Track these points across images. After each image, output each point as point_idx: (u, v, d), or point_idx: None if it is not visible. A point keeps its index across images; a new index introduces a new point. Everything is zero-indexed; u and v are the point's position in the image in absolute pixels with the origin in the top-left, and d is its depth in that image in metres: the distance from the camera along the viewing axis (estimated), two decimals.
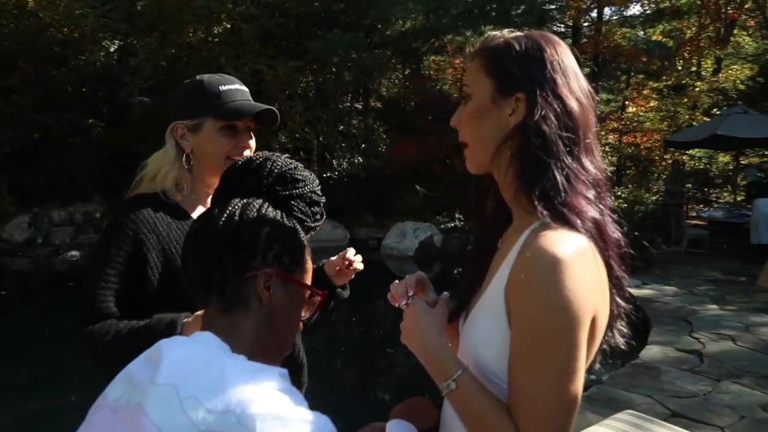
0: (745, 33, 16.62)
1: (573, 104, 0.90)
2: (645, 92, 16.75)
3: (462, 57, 19.09)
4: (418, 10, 12.65)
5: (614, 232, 0.90)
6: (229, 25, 10.90)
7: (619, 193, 13.15)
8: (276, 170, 0.92)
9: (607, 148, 18.66)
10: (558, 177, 0.87)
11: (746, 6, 13.80)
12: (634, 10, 17.63)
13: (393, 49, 14.37)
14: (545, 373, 0.81)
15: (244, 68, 10.75)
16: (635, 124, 15.54)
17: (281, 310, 0.87)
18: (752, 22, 15.18)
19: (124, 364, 1.16)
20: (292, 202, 0.92)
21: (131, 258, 1.30)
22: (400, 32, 13.92)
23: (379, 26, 13.21)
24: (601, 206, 0.90)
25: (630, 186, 14.75)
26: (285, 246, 0.87)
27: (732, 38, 15.05)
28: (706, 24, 13.19)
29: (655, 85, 16.91)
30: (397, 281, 1.07)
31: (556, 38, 0.94)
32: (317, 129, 12.43)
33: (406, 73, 17.29)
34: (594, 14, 15.27)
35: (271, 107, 1.42)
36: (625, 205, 10.89)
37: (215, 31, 11.18)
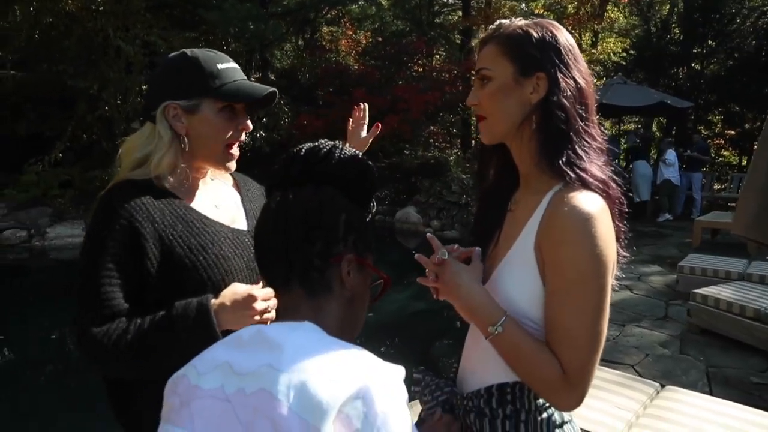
0: (616, 9, 18.02)
1: (582, 82, 1.07)
2: None
3: (356, 28, 19.11)
4: None
5: (616, 192, 1.07)
6: None
7: None
8: (345, 158, 0.92)
9: None
10: (578, 145, 1.04)
11: None
12: None
13: (290, 20, 14.03)
14: (582, 311, 0.97)
15: (135, 40, 10.04)
16: None
17: (359, 294, 0.91)
18: (625, 0, 16.50)
19: (152, 362, 1.16)
20: (360, 190, 0.94)
21: (128, 249, 1.19)
22: (299, 2, 13.60)
23: None
24: (608, 170, 1.08)
25: None
26: (360, 232, 0.91)
27: (606, 14, 16.24)
28: (584, 0, 14.13)
29: None
30: (418, 254, 1.16)
31: (559, 25, 1.10)
32: None
33: (300, 44, 16.99)
34: None
35: (274, 89, 1.34)
36: None
37: None
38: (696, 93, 14.17)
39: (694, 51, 14.67)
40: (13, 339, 5.49)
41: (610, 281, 0.99)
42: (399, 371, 0.78)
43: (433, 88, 12.24)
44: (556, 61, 1.05)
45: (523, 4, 19.10)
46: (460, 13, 16.84)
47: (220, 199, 1.41)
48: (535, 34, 1.06)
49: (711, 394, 3.25)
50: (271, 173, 0.96)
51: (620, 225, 1.07)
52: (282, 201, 0.89)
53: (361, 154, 0.98)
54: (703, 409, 2.46)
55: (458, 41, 17.35)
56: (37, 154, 10.91)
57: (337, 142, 0.95)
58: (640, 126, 11.51)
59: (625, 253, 1.09)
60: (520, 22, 1.09)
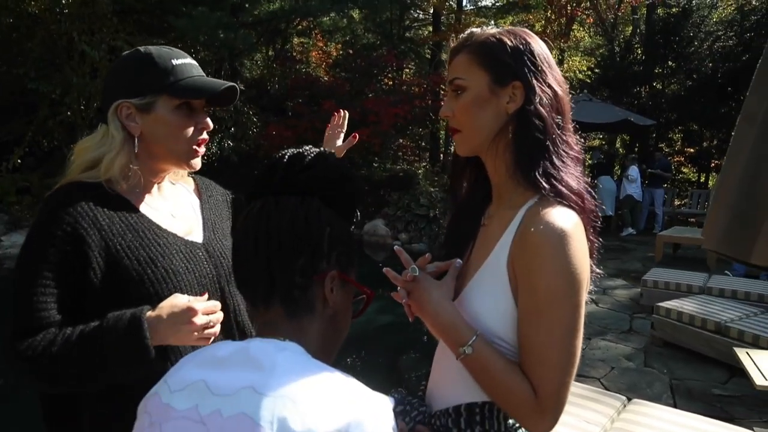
0: (582, 29, 18.51)
1: (559, 90, 1.05)
2: None
3: (327, 40, 19.18)
4: None
5: (591, 205, 1.05)
6: None
7: None
8: (331, 166, 0.87)
9: None
10: (554, 155, 1.02)
11: (582, 5, 15.39)
12: (487, 1, 18.80)
13: (261, 30, 13.96)
14: (555, 331, 0.94)
15: (100, 45, 9.81)
16: None
17: (341, 311, 0.87)
18: (590, 20, 16.96)
19: (77, 377, 1.08)
20: (346, 201, 0.89)
21: (69, 258, 1.10)
22: (270, 12, 13.55)
23: (247, 5, 12.73)
24: (583, 181, 1.05)
25: None
26: (344, 247, 0.86)
27: (571, 33, 16.67)
28: (551, 19, 14.48)
29: None
30: (386, 268, 1.13)
31: (532, 33, 1.08)
32: None
33: (270, 54, 16.91)
34: (454, 3, 16.02)
35: (234, 84, 1.26)
36: None
37: (63, 1, 10.00)
38: (658, 111, 14.61)
39: (656, 71, 15.14)
40: None
41: (584, 299, 0.97)
42: (388, 402, 0.75)
43: (403, 101, 12.30)
44: (532, 68, 1.02)
45: (492, 22, 19.55)
46: (431, 28, 17.06)
47: (178, 207, 1.33)
48: (509, 42, 1.03)
49: (675, 406, 3.30)
50: (253, 180, 0.89)
51: (594, 240, 1.05)
52: (264, 211, 0.83)
53: (347, 163, 0.94)
54: (669, 422, 2.48)
55: (428, 56, 17.57)
56: None
57: (322, 148, 0.90)
58: (604, 143, 11.78)
59: (598, 270, 1.07)
60: (492, 30, 1.06)
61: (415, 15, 18.73)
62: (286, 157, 0.88)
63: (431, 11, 16.76)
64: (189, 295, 1.20)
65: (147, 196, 1.26)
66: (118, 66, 1.25)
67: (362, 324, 6.57)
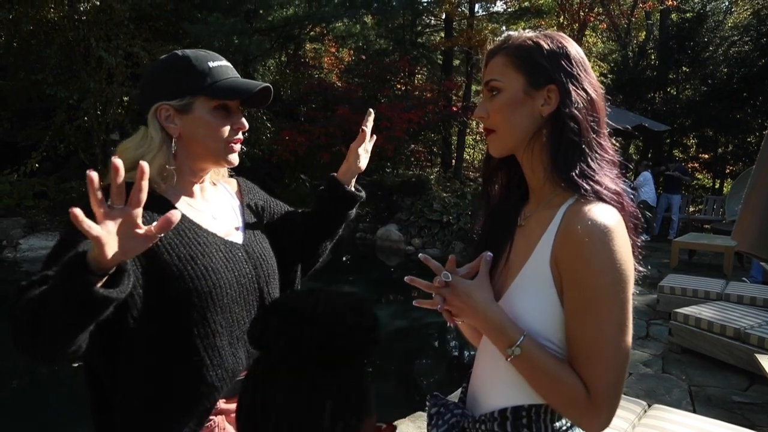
0: (594, 35, 18.47)
1: (594, 94, 1.05)
2: None
3: (339, 45, 19.28)
4: None
5: (630, 205, 1.05)
6: (98, 2, 9.95)
7: None
8: (362, 325, 0.81)
9: (478, 137, 19.87)
10: (590, 158, 1.02)
11: (595, 10, 15.35)
12: (499, 6, 18.80)
13: (274, 36, 14.06)
14: (605, 326, 0.93)
15: (117, 51, 9.93)
16: None
17: None
18: (604, 25, 16.90)
19: (40, 325, 0.96)
20: (366, 356, 0.83)
21: None
22: (284, 18, 13.65)
23: (261, 12, 12.84)
24: (620, 182, 1.05)
25: None
26: (351, 411, 0.79)
27: (584, 38, 16.64)
28: (564, 25, 14.45)
29: None
30: (409, 277, 1.12)
31: (568, 37, 1.08)
32: None
33: (283, 59, 17.02)
34: (466, 9, 16.04)
35: (268, 84, 1.28)
36: None
37: (81, 8, 10.15)
38: (672, 117, 14.50)
39: (670, 76, 15.04)
40: None
41: (631, 295, 0.96)
42: None
43: (416, 107, 12.33)
44: (568, 72, 1.03)
45: (504, 27, 19.55)
46: (443, 34, 17.10)
47: (219, 209, 1.35)
48: (545, 45, 1.04)
49: (695, 413, 3.26)
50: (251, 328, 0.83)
51: (635, 239, 1.03)
52: (262, 406, 0.77)
53: (361, 299, 0.86)
54: (692, 428, 2.46)
55: (440, 61, 17.60)
56: (11, 163, 10.68)
57: (323, 291, 0.85)
58: (618, 147, 11.74)
59: (641, 268, 1.05)
60: (529, 33, 1.07)
61: (427, 21, 18.78)
62: (280, 311, 0.81)
63: (443, 17, 16.80)
64: (228, 292, 1.23)
65: (188, 197, 1.28)
66: (157, 69, 1.27)
67: None
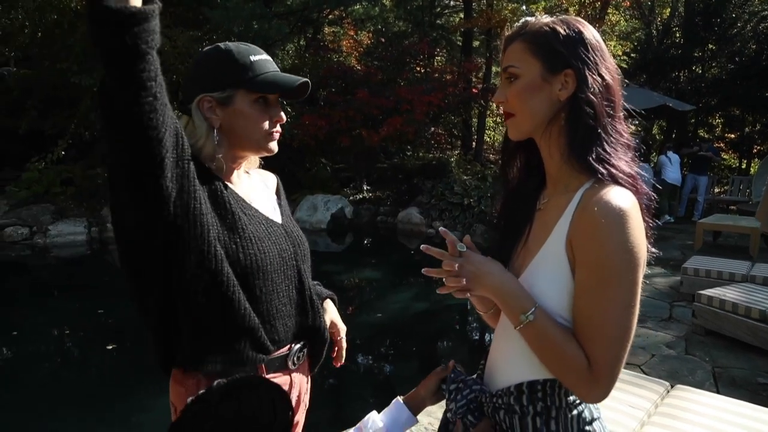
0: (617, 13, 18.07)
1: (609, 79, 1.07)
2: None
3: (357, 28, 19.16)
4: None
5: (644, 188, 1.07)
6: None
7: None
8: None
9: (498, 119, 19.68)
10: (606, 142, 1.05)
11: None
12: None
13: (293, 20, 14.04)
14: (612, 305, 0.97)
15: None
16: None
17: None
18: (627, 3, 16.53)
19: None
20: None
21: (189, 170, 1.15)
22: (302, 2, 13.61)
23: None
24: (635, 166, 1.08)
25: None
26: None
27: (606, 16, 16.30)
28: (586, 3, 14.17)
29: None
30: (425, 245, 1.13)
31: (585, 22, 1.10)
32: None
33: (302, 43, 16.99)
34: None
35: (307, 80, 1.32)
36: None
37: None
38: (697, 96, 14.21)
39: (696, 55, 14.71)
40: (12, 337, 5.50)
41: (641, 277, 0.99)
42: None
43: (436, 89, 12.24)
44: (584, 57, 1.05)
45: (524, 6, 19.22)
46: (462, 15, 16.89)
47: (256, 193, 1.42)
48: (562, 31, 1.06)
49: (718, 394, 3.27)
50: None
51: (648, 221, 1.06)
52: None
53: None
54: (716, 408, 2.48)
55: (459, 42, 17.40)
56: (38, 151, 10.91)
57: None
58: (641, 130, 11.55)
59: (654, 250, 1.08)
60: (546, 19, 1.09)
61: (446, 2, 18.57)
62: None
63: None
64: (271, 262, 1.29)
65: (230, 180, 1.34)
66: (200, 61, 1.32)
67: (397, 311, 6.65)
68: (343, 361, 1.66)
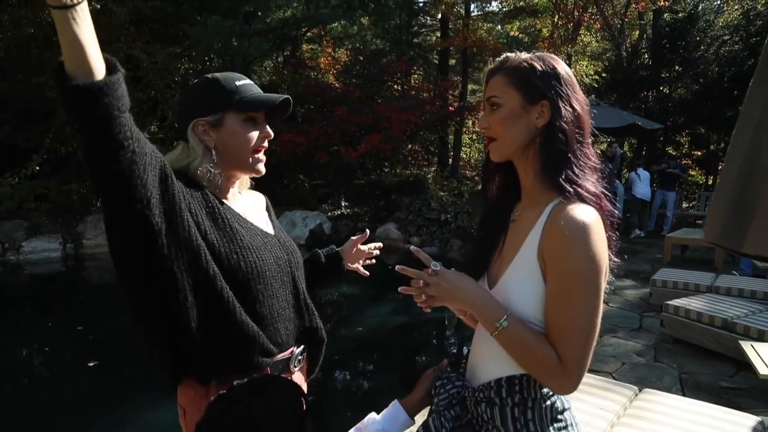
0: (589, 34, 18.67)
1: (579, 109, 1.22)
2: None
3: (336, 46, 19.39)
4: (299, 0, 12.68)
5: (608, 205, 1.22)
6: (98, 6, 10.03)
7: None
8: None
9: (474, 136, 20.05)
10: (575, 165, 1.20)
11: (590, 10, 15.55)
12: (494, 6, 18.95)
13: (272, 38, 14.19)
14: (580, 309, 1.11)
15: (118, 53, 10.03)
16: None
17: None
18: (598, 25, 17.09)
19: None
20: None
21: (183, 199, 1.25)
22: (281, 20, 13.79)
23: (259, 14, 12.97)
24: (600, 186, 1.23)
25: None
26: None
27: (578, 38, 16.83)
28: (559, 24, 14.63)
29: None
30: (400, 266, 1.25)
31: (558, 58, 1.26)
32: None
33: (279, 60, 17.12)
34: (461, 9, 16.18)
35: (288, 96, 1.45)
36: None
37: None
38: (665, 115, 14.71)
39: (663, 76, 15.25)
40: None
41: (604, 283, 1.13)
42: None
43: (413, 107, 12.47)
44: (558, 90, 1.19)
45: (499, 26, 19.69)
46: (439, 34, 17.24)
47: (249, 209, 1.53)
48: (538, 67, 1.20)
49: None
50: None
51: (611, 234, 1.21)
52: None
53: None
54: (681, 410, 2.63)
55: (436, 61, 17.74)
56: (11, 165, 10.77)
57: None
58: (614, 145, 11.92)
59: (615, 259, 1.23)
60: (524, 55, 1.24)
61: (423, 21, 18.92)
62: None
63: (439, 17, 16.95)
64: (269, 272, 1.40)
65: (226, 197, 1.46)
66: (191, 91, 1.46)
67: (377, 325, 6.74)
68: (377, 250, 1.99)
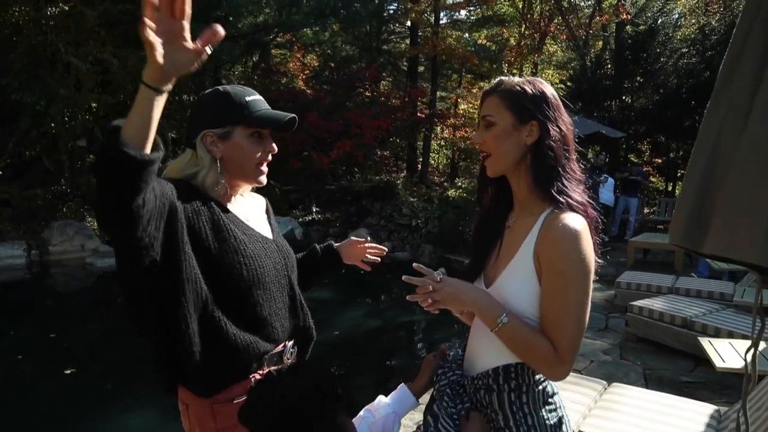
0: (554, 43, 19.13)
1: (565, 129, 1.37)
2: (474, 91, 18.24)
3: (305, 52, 19.39)
4: (271, 6, 12.71)
5: (593, 213, 1.36)
6: (66, 7, 9.88)
7: (460, 183, 14.51)
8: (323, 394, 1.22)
9: (442, 143, 20.27)
10: (564, 178, 1.34)
11: (555, 21, 15.99)
12: (462, 14, 19.27)
13: (243, 43, 14.17)
14: (571, 305, 1.25)
15: (87, 57, 9.90)
16: (467, 119, 16.53)
17: None
18: (563, 35, 17.56)
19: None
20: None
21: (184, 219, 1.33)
22: (253, 25, 13.78)
23: (231, 19, 12.94)
24: (585, 196, 1.37)
25: (462, 177, 16.26)
26: None
27: (544, 47, 17.25)
28: (526, 34, 15.00)
29: (484, 85, 18.57)
30: (406, 276, 1.37)
31: (546, 82, 1.40)
32: (168, 123, 11.84)
33: (249, 65, 17.06)
34: (431, 17, 16.40)
35: (294, 115, 1.54)
36: (465, 195, 12.14)
37: (48, 12, 10.05)
38: (627, 124, 15.21)
39: (625, 86, 15.76)
40: None
41: (592, 281, 1.28)
42: None
43: (384, 113, 12.61)
44: (546, 112, 1.33)
45: (467, 34, 20.01)
46: (408, 41, 17.44)
47: (250, 214, 1.63)
48: (529, 90, 1.34)
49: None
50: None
51: (597, 238, 1.35)
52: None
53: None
54: (647, 401, 2.83)
55: (405, 68, 17.93)
56: None
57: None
58: (600, 155, 12.24)
59: (600, 261, 1.36)
60: (516, 79, 1.38)
61: (393, 28, 19.11)
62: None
63: (408, 24, 17.14)
64: (269, 277, 1.50)
65: (230, 202, 1.54)
66: (202, 102, 1.52)
67: (351, 329, 6.83)
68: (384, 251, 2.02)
